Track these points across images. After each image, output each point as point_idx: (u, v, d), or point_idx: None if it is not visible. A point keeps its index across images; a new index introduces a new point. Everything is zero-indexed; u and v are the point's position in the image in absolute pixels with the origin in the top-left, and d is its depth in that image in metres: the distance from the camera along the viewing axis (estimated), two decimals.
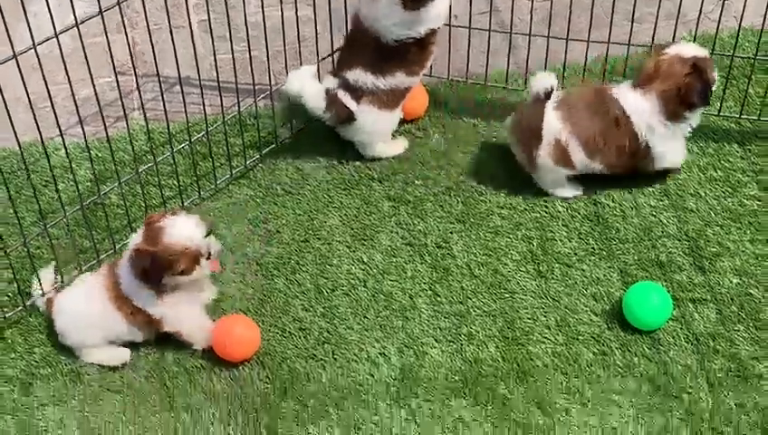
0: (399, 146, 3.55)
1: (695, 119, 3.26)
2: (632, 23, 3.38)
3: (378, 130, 3.46)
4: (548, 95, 3.22)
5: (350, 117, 3.41)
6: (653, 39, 3.41)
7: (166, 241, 2.81)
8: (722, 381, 2.91)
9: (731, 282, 3.12)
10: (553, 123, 3.24)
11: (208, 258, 2.90)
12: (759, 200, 3.31)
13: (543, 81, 3.22)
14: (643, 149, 3.26)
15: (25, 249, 3.10)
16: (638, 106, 3.22)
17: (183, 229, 2.83)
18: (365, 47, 3.33)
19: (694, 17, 3.41)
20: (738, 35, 3.45)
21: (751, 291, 3.10)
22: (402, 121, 3.56)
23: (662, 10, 3.35)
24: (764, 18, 3.30)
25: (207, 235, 2.89)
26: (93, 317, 2.97)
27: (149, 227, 2.84)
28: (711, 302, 3.08)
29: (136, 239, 2.86)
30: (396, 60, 3.33)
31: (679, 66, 3.16)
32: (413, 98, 3.54)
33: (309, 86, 3.36)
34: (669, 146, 3.28)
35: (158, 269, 2.82)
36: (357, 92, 3.37)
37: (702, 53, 3.18)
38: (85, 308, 2.98)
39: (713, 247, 3.21)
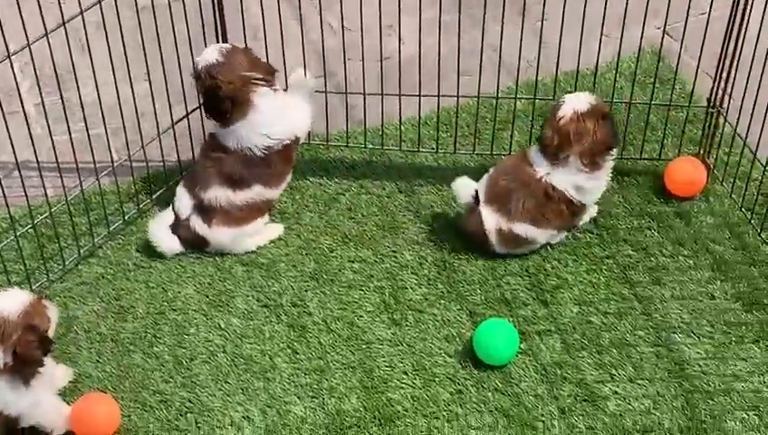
0: (275, 231, 3.57)
1: (612, 159, 3.37)
2: (458, 75, 3.56)
3: (236, 246, 3.49)
4: (477, 198, 3.36)
5: (203, 242, 3.46)
6: (479, 88, 3.59)
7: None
8: (571, 406, 3.06)
9: (572, 311, 3.30)
10: (490, 219, 3.36)
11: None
12: (591, 233, 3.52)
13: (465, 190, 3.38)
14: (580, 207, 3.40)
15: None
16: (561, 178, 3.30)
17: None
18: (222, 164, 3.39)
19: (515, 66, 3.61)
20: (556, 80, 3.67)
21: (591, 318, 3.27)
22: None
23: (486, 61, 3.54)
24: (578, 63, 3.55)
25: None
26: None
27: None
28: (555, 332, 3.24)
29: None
30: (256, 172, 3.40)
31: (586, 122, 3.24)
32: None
33: (165, 239, 3.46)
34: (598, 194, 3.42)
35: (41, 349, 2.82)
36: (209, 213, 3.41)
37: (592, 98, 3.29)
38: None
39: (552, 280, 3.38)
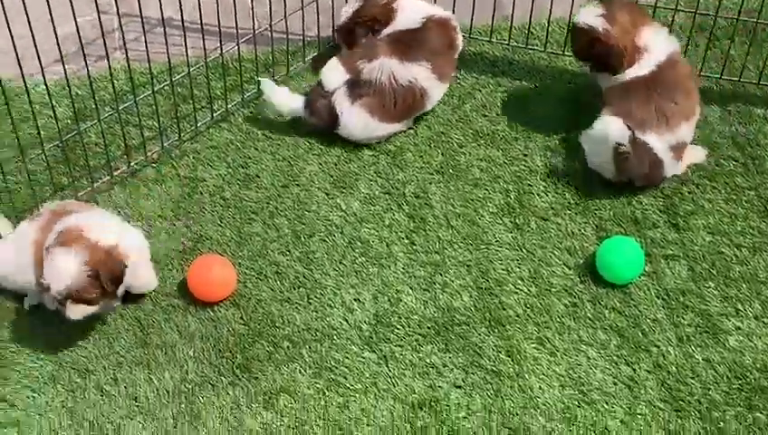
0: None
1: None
2: None
3: (364, 136, 3.42)
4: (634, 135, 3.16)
5: (334, 121, 3.38)
6: None
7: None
8: (690, 336, 2.95)
9: (704, 240, 3.15)
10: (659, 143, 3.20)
11: None
12: (735, 161, 3.34)
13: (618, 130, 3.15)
14: None
15: (4, 184, 3.11)
16: None
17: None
18: (392, 35, 3.40)
19: None
20: None
21: (722, 249, 3.13)
22: None
23: None
24: None
25: None
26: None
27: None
28: (683, 258, 3.11)
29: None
30: (423, 44, 3.36)
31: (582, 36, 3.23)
32: None
33: (280, 97, 3.41)
34: None
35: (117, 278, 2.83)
36: (358, 91, 3.33)
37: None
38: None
39: (687, 205, 3.24)
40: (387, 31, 3.43)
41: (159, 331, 2.96)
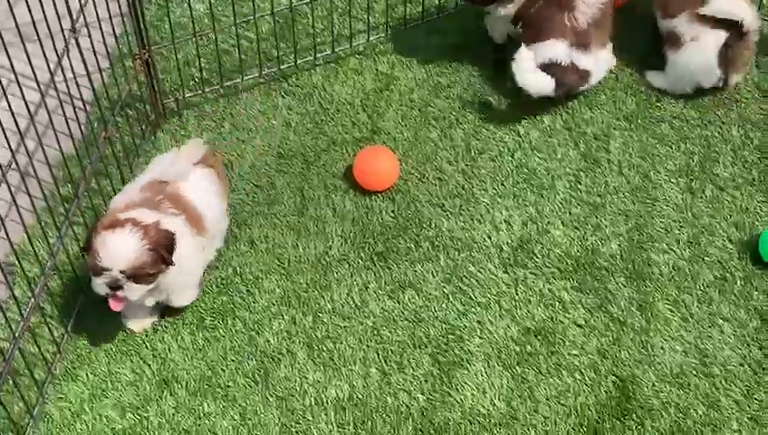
0: (611, 62, 3.43)
1: None
2: None
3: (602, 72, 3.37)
4: None
5: (582, 77, 3.29)
6: None
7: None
8: None
9: None
10: None
11: None
12: None
13: None
14: None
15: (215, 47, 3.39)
16: None
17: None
18: None
19: None
20: None
21: None
22: None
23: None
24: None
25: None
26: None
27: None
28: None
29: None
30: None
31: None
32: None
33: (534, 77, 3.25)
34: None
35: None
36: (587, 39, 3.25)
37: None
38: None
39: None
40: None
41: (317, 205, 3.16)
